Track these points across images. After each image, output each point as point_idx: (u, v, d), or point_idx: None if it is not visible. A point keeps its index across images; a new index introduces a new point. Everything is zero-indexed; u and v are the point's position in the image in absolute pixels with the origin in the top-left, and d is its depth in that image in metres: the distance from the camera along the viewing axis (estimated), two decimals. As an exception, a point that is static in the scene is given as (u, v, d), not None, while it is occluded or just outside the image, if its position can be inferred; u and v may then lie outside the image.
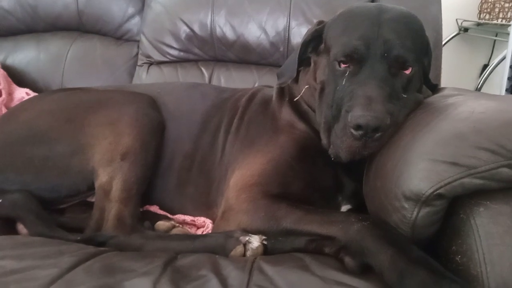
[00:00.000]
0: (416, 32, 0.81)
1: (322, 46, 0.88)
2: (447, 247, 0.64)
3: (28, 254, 0.67)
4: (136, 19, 1.57)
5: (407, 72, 0.77)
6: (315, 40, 0.89)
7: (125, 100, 0.99)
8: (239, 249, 0.74)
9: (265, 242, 0.75)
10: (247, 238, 0.75)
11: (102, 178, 0.87)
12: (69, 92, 1.07)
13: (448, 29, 2.15)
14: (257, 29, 1.38)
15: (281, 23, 1.37)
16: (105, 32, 1.59)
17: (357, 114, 0.70)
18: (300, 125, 0.91)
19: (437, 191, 0.58)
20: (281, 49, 1.39)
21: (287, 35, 1.38)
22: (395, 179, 0.65)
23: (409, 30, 0.79)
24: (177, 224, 0.90)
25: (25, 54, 1.56)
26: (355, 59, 0.77)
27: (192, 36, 1.42)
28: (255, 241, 0.75)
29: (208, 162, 0.99)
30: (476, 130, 0.60)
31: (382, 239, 0.62)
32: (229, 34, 1.40)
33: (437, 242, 0.67)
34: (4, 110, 1.27)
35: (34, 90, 1.45)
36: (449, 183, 0.58)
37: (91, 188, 0.90)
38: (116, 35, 1.59)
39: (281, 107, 0.95)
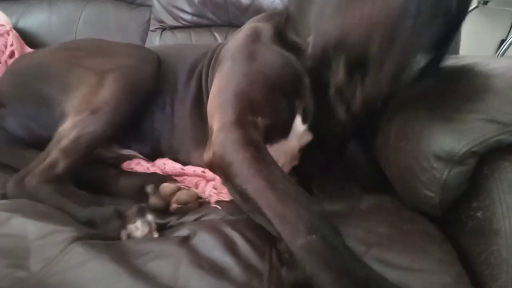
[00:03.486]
0: None
1: None
2: (467, 204, 0.63)
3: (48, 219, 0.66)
4: (150, -16, 1.54)
5: None
6: None
7: (125, 52, 0.98)
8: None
9: (155, 234, 0.70)
10: (131, 226, 0.70)
11: (66, 125, 0.85)
12: (78, 39, 1.08)
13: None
14: (273, -7, 1.35)
15: (298, -13, 1.34)
16: (119, -5, 1.57)
17: None
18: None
19: (472, 149, 0.57)
20: (297, 14, 1.36)
21: (303, -1, 1.34)
22: (424, 139, 0.63)
23: None
24: (183, 186, 0.87)
25: (36, 17, 1.55)
26: None
27: (206, 0, 1.39)
28: (139, 230, 0.70)
29: (198, 104, 0.97)
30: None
31: (326, 261, 0.53)
32: (244, -2, 1.37)
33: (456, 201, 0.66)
34: (17, 71, 1.26)
35: (46, 54, 1.44)
36: (484, 140, 0.56)
37: None
38: (130, -1, 1.57)
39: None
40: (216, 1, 1.39)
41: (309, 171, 0.93)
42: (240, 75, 0.80)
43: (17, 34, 1.35)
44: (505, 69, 0.61)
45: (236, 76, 0.80)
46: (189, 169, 0.96)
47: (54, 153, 0.82)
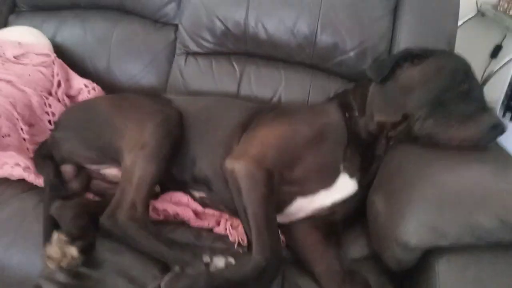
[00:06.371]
0: None
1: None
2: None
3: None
4: (173, 5, 1.69)
5: None
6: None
7: (157, 111, 1.23)
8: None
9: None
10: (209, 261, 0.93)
11: (127, 161, 1.11)
12: (125, 95, 1.41)
13: (466, 11, 2.21)
14: (287, 32, 1.52)
15: (309, 28, 1.50)
16: (144, 14, 1.72)
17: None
18: (336, 114, 1.15)
19: (419, 246, 0.85)
20: (307, 50, 1.54)
21: (313, 39, 1.51)
22: (394, 225, 0.90)
23: None
24: None
25: (72, 33, 1.71)
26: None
27: (227, 33, 1.56)
28: (220, 262, 0.92)
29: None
30: (454, 203, 0.84)
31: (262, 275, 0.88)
32: (261, 34, 1.54)
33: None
34: (66, 98, 1.46)
35: (83, 71, 1.63)
36: (429, 242, 0.84)
37: (111, 162, 1.21)
38: (155, 17, 1.72)
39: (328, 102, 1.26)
40: (236, 34, 1.56)
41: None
42: (296, 129, 1.11)
43: (61, 61, 1.52)
44: (455, 184, 0.89)
45: (292, 129, 1.11)
46: (209, 211, 1.21)
47: (129, 191, 1.06)
